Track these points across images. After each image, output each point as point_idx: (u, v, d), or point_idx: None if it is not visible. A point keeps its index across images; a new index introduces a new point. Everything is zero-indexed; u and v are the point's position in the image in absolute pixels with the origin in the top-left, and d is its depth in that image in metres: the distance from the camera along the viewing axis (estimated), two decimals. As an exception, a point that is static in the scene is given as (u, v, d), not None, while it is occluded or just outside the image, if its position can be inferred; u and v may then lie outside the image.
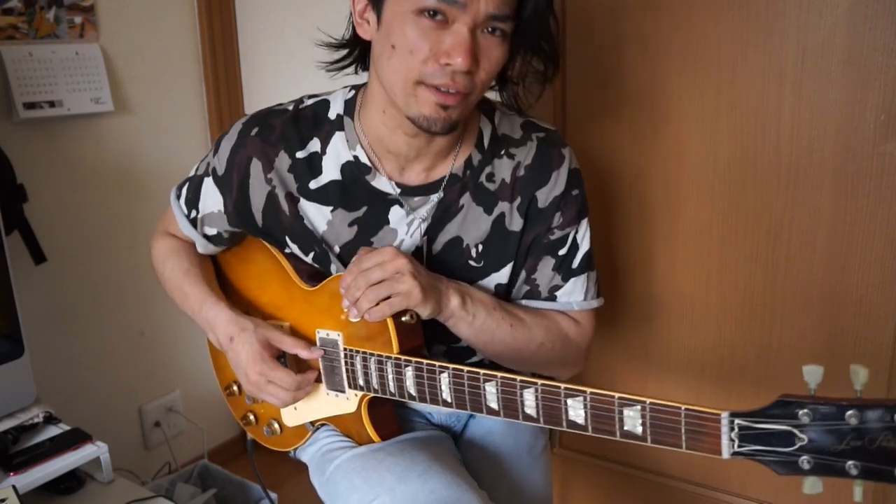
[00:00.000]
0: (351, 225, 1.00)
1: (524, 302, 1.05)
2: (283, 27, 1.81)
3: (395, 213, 0.99)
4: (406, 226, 1.00)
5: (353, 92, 1.01)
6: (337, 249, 1.02)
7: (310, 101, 1.02)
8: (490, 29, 0.84)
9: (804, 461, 0.67)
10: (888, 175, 1.18)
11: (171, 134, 1.85)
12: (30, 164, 1.57)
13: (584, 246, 1.04)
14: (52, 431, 1.41)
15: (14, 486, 1.22)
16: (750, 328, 1.36)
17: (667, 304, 1.44)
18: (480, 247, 1.01)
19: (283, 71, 1.87)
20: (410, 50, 0.83)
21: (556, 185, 1.00)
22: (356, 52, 0.99)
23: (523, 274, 1.04)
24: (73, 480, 1.41)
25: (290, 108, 1.01)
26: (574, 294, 1.04)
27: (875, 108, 1.17)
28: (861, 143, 1.19)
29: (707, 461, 1.49)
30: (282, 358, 1.01)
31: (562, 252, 1.02)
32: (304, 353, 0.98)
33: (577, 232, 1.03)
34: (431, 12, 0.82)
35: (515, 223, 1.01)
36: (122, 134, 1.74)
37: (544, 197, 1.00)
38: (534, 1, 0.86)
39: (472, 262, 1.02)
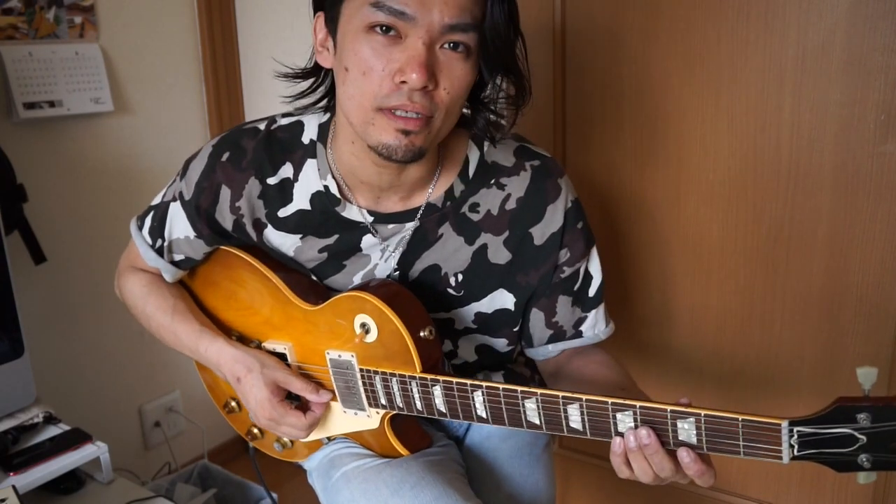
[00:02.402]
0: (321, 251, 0.98)
1: (550, 347, 1.04)
2: (283, 27, 1.81)
3: (368, 241, 0.96)
4: (380, 252, 0.97)
5: (327, 115, 0.96)
6: (307, 269, 1.01)
7: (283, 121, 0.97)
8: (450, 44, 0.78)
9: (864, 459, 0.69)
10: (888, 175, 1.18)
11: (171, 134, 1.85)
12: (30, 164, 1.57)
13: (598, 275, 1.02)
14: (52, 431, 1.41)
15: (14, 486, 1.22)
16: (750, 328, 1.36)
17: (667, 304, 1.44)
18: (460, 276, 0.98)
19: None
20: (363, 71, 0.78)
21: (553, 220, 0.96)
22: (322, 84, 0.94)
23: (542, 317, 1.02)
24: (73, 480, 1.41)
25: (263, 128, 0.96)
26: (598, 324, 1.04)
27: (875, 108, 1.17)
28: (861, 143, 1.19)
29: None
30: (292, 395, 0.99)
31: (576, 287, 1.01)
32: (313, 396, 0.97)
33: (588, 263, 1.02)
34: (383, 27, 0.77)
35: (500, 256, 0.97)
36: (122, 134, 1.74)
37: (540, 234, 0.96)
38: (492, 9, 0.79)
39: (451, 291, 0.99)
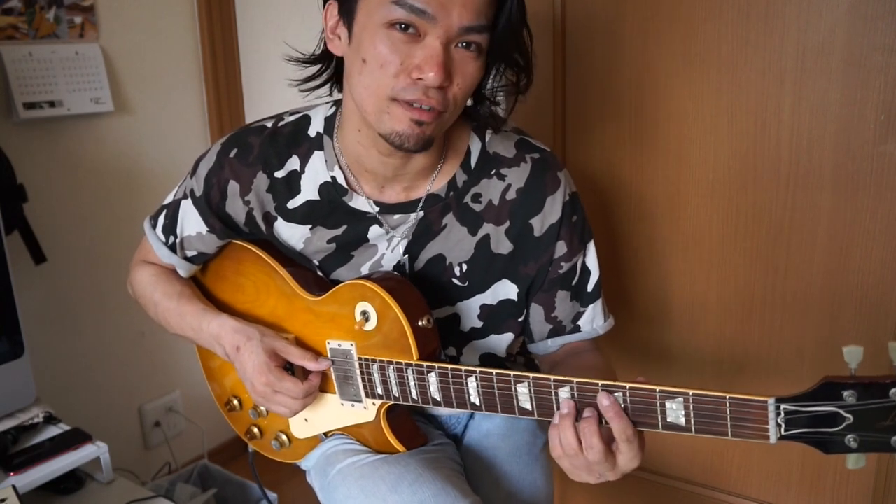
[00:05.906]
0: (330, 242, 1.00)
1: (549, 342, 1.05)
2: (283, 27, 1.81)
3: (375, 231, 0.98)
4: (386, 242, 0.99)
5: (334, 108, 0.98)
6: (316, 262, 1.02)
7: (290, 118, 1.00)
8: (465, 44, 0.81)
9: (851, 440, 0.68)
10: (888, 175, 1.18)
11: (171, 134, 1.85)
12: (30, 164, 1.57)
13: (595, 270, 1.03)
14: (52, 431, 1.41)
15: (14, 486, 1.22)
16: (750, 328, 1.36)
17: (667, 303, 1.44)
18: (464, 266, 0.99)
19: (282, 71, 1.86)
20: (381, 64, 0.81)
21: (552, 212, 0.97)
22: (328, 69, 0.97)
23: (541, 311, 1.02)
24: (73, 480, 1.41)
25: (269, 125, 0.99)
26: (596, 319, 1.05)
27: (875, 108, 1.17)
28: (861, 143, 1.19)
29: (707, 460, 1.49)
30: (289, 367, 0.99)
31: (574, 282, 1.02)
32: (311, 364, 0.96)
33: (585, 257, 1.02)
34: (402, 25, 0.79)
35: (502, 246, 0.99)
36: (122, 134, 1.74)
37: (539, 225, 0.97)
38: (507, 12, 0.82)
39: (455, 281, 1.00)
